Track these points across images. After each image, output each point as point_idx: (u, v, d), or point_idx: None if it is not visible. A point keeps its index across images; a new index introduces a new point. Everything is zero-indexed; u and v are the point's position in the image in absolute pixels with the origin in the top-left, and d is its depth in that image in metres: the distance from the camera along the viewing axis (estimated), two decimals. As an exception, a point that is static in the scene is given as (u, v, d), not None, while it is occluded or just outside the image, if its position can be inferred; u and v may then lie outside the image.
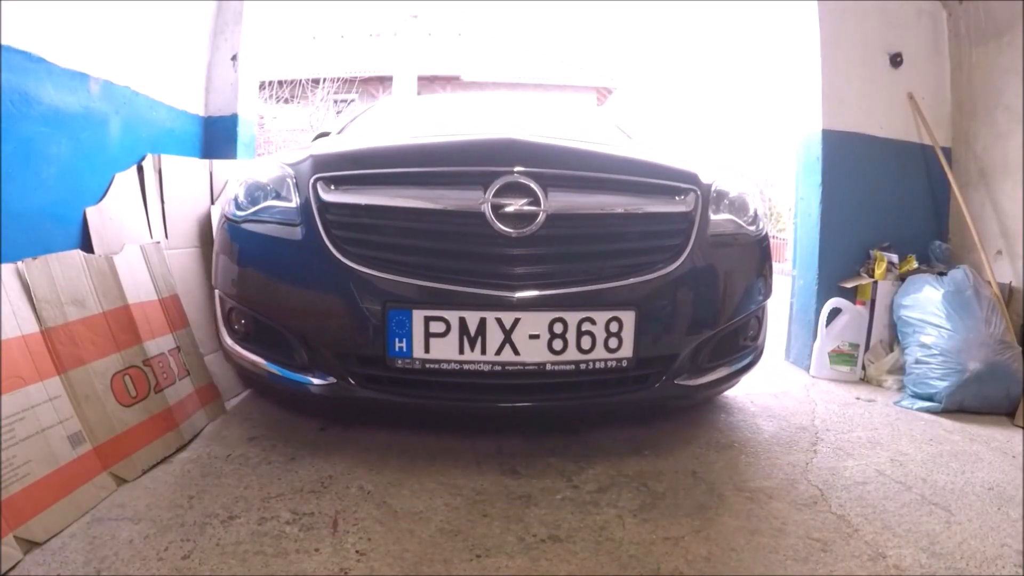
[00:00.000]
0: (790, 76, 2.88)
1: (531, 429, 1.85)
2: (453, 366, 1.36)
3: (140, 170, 2.00)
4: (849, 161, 2.68)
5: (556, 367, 1.38)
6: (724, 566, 1.15)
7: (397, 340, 1.35)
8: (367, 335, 1.37)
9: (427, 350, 1.35)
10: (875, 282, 2.60)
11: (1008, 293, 2.46)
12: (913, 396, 2.25)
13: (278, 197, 1.52)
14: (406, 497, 1.37)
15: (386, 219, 1.41)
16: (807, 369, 2.68)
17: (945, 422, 2.05)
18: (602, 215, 1.44)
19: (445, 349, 1.34)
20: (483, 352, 1.35)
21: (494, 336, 1.34)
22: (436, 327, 1.34)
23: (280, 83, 16.31)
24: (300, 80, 16.23)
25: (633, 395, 1.50)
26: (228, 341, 1.63)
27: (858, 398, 2.32)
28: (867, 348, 2.62)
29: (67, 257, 1.47)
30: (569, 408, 1.58)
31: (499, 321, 1.33)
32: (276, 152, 1.79)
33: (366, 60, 19.46)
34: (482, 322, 1.33)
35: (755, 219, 1.69)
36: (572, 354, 1.37)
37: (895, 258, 2.61)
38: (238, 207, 1.58)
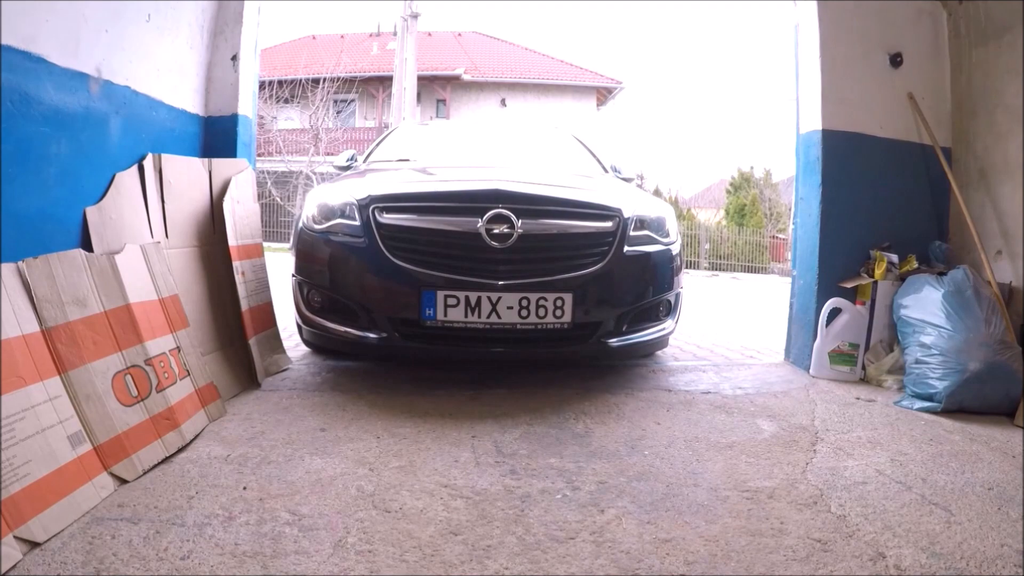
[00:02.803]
0: (790, 76, 2.88)
1: (531, 429, 1.85)
2: (461, 325, 2.08)
3: (141, 169, 2.00)
4: (849, 161, 2.68)
5: (523, 327, 2.09)
6: (724, 566, 1.15)
7: (427, 308, 2.07)
8: (408, 305, 2.10)
9: (445, 315, 2.07)
10: (875, 282, 2.59)
11: (1008, 293, 2.45)
12: (913, 396, 2.25)
13: (344, 216, 2.23)
14: (406, 498, 1.37)
15: (421, 235, 2.14)
16: (807, 369, 2.68)
17: (945, 422, 2.05)
18: (553, 234, 2.17)
19: (457, 314, 2.07)
20: (479, 316, 2.07)
21: (485, 307, 2.07)
22: (451, 301, 2.07)
23: (280, 83, 16.34)
24: (300, 80, 16.26)
25: (573, 348, 2.25)
26: (306, 312, 2.34)
27: (858, 398, 2.32)
28: (867, 348, 2.62)
29: (68, 256, 1.47)
30: (531, 354, 2.32)
31: (489, 298, 2.06)
32: (332, 183, 2.57)
33: (366, 60, 19.47)
34: (479, 298, 2.06)
35: (668, 234, 2.44)
36: (533, 319, 2.09)
37: (895, 258, 2.61)
38: (315, 222, 2.30)
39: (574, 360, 2.66)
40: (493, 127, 4.34)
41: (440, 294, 2.07)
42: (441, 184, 2.48)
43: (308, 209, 2.38)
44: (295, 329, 3.42)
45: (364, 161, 3.19)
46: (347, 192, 2.30)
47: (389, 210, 2.18)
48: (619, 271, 2.22)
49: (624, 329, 2.28)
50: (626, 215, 2.27)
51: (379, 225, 2.15)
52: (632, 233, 2.28)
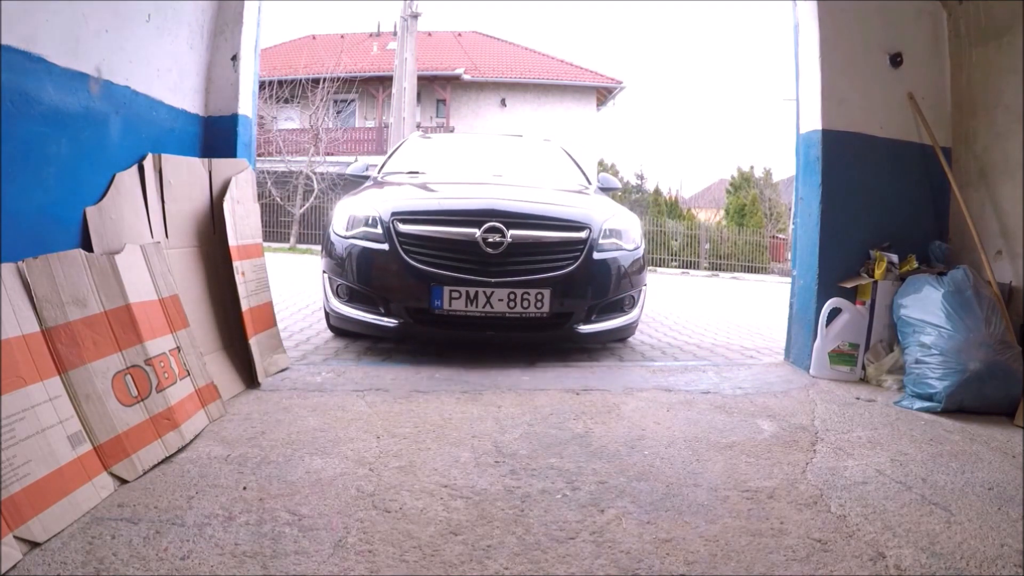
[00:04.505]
0: (790, 76, 2.88)
1: (531, 429, 1.85)
2: (462, 313, 2.59)
3: (141, 170, 2.00)
4: (849, 161, 2.67)
5: (510, 315, 2.61)
6: (724, 566, 1.15)
7: (436, 300, 2.59)
8: (421, 297, 2.61)
9: (450, 305, 2.59)
10: (875, 282, 2.59)
11: (1008, 293, 2.45)
12: (913, 396, 2.25)
13: (367, 224, 2.76)
14: (406, 498, 1.37)
15: (431, 241, 2.65)
16: (807, 369, 2.68)
17: (945, 422, 2.05)
18: (536, 241, 2.69)
19: (459, 305, 2.59)
20: (476, 307, 2.59)
21: (481, 299, 2.58)
22: (455, 294, 2.58)
23: (280, 83, 16.34)
24: (300, 80, 16.26)
25: (551, 333, 2.78)
26: (335, 304, 2.85)
27: (858, 398, 2.32)
28: (867, 348, 2.61)
29: (68, 256, 1.47)
30: (517, 338, 2.83)
31: (484, 292, 2.57)
32: (356, 197, 3.07)
33: (366, 60, 19.47)
34: (476, 292, 2.58)
35: (633, 241, 2.95)
36: (518, 309, 2.61)
37: (895, 258, 2.61)
38: (344, 229, 2.82)
39: (552, 343, 3.13)
40: (489, 141, 4.72)
41: (446, 289, 2.58)
42: (447, 201, 2.99)
43: (338, 219, 2.89)
44: (295, 329, 3.44)
45: (379, 171, 3.75)
46: (371, 206, 2.82)
47: (406, 221, 2.69)
48: (588, 272, 2.73)
49: (592, 319, 2.79)
50: (596, 226, 2.79)
51: (398, 233, 2.66)
52: (601, 241, 2.79)
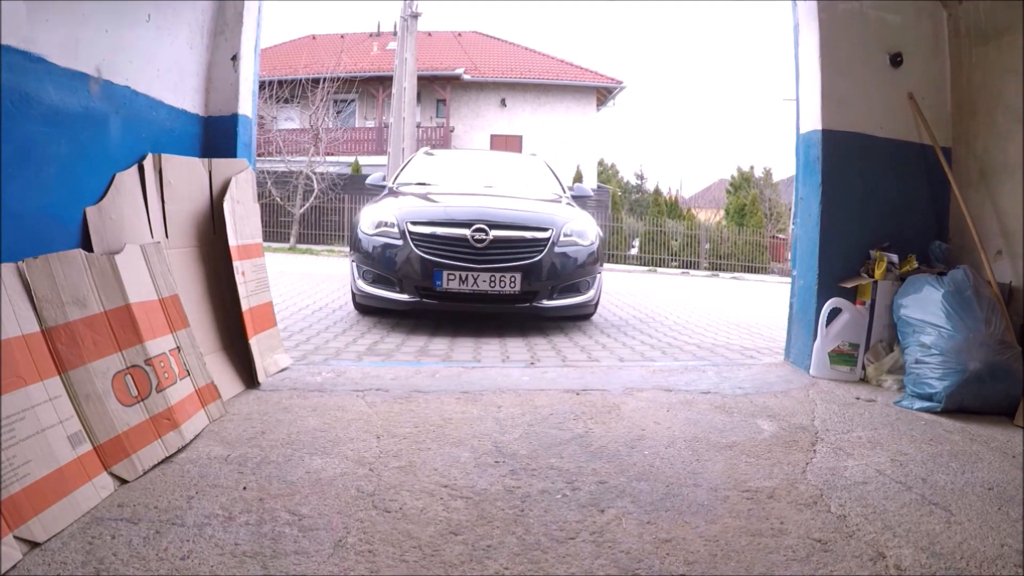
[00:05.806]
0: (790, 76, 2.88)
1: (531, 429, 1.85)
2: (456, 290, 3.49)
3: (141, 170, 2.00)
4: (849, 161, 2.67)
5: (491, 292, 3.51)
6: (724, 566, 1.15)
7: (437, 280, 3.49)
8: (427, 279, 3.51)
9: (447, 284, 3.48)
10: (875, 282, 2.59)
11: (1008, 293, 2.45)
12: (913, 396, 2.25)
13: (387, 225, 3.68)
14: (406, 498, 1.37)
15: (434, 238, 3.56)
16: (807, 369, 2.68)
17: (945, 422, 2.05)
18: (510, 238, 3.58)
19: (454, 284, 3.48)
20: (467, 286, 3.48)
21: (470, 280, 3.48)
22: (451, 277, 3.48)
23: (280, 83, 16.34)
24: (300, 80, 16.26)
25: (521, 306, 3.63)
26: (362, 285, 3.76)
27: (858, 398, 2.32)
28: (867, 348, 2.61)
29: (68, 256, 1.47)
30: (497, 310, 3.72)
31: (472, 275, 3.48)
32: (377, 204, 4.06)
33: (366, 60, 19.48)
34: (466, 275, 3.48)
35: (587, 238, 3.84)
36: (497, 288, 3.50)
37: (895, 258, 2.61)
38: (369, 228, 3.74)
39: (523, 314, 4.03)
40: (483, 157, 6.09)
41: (445, 272, 3.48)
42: (447, 209, 3.92)
43: (365, 221, 3.81)
44: (295, 329, 3.46)
45: (394, 182, 4.69)
46: (389, 212, 3.76)
47: (416, 223, 3.62)
48: (550, 261, 3.63)
49: (554, 296, 3.68)
50: (557, 227, 3.71)
51: (410, 232, 3.59)
52: (561, 239, 3.69)
